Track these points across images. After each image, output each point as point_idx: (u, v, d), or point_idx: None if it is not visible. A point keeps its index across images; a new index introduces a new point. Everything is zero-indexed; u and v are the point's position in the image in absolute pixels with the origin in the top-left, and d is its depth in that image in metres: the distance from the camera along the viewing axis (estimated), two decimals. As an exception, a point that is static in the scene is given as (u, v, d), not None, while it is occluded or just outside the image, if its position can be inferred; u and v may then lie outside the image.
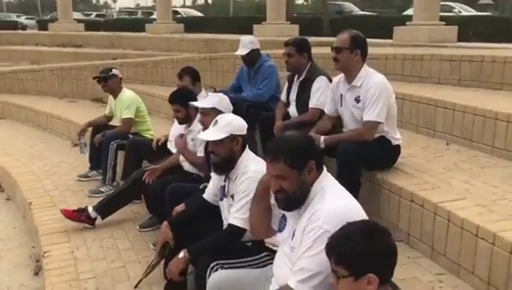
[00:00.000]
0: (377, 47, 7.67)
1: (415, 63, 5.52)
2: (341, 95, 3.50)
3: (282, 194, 1.95)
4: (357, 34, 3.39)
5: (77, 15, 24.62)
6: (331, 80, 3.81)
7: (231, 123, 2.64)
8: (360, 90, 3.34)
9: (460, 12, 19.46)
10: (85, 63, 8.85)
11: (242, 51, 4.91)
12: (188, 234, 2.74)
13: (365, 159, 3.29)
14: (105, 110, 5.53)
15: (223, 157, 2.62)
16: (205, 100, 3.34)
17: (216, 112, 3.20)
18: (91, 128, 5.41)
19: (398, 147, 3.51)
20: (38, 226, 4.16)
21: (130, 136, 4.98)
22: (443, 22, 8.11)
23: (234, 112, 4.86)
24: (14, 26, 20.61)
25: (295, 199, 1.94)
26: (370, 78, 3.32)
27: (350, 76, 3.41)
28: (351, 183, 2.95)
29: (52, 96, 8.74)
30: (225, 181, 2.70)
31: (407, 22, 8.23)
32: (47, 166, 5.91)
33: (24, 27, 22.37)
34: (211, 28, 14.88)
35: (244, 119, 4.54)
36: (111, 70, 5.15)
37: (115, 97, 5.18)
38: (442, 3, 10.18)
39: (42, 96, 8.81)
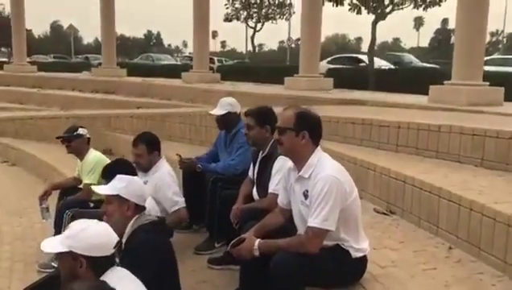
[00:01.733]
0: (406, 108, 6.80)
1: (432, 135, 4.60)
2: (291, 185, 2.74)
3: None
4: (305, 111, 2.64)
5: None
6: None
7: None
8: (308, 183, 2.56)
9: None
10: (97, 112, 8.59)
11: (218, 111, 4.29)
12: None
13: (311, 274, 2.47)
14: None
15: None
16: (109, 184, 2.67)
17: (120, 201, 2.55)
18: (58, 190, 4.91)
19: (361, 259, 2.65)
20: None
21: (91, 205, 4.41)
22: (487, 83, 7.09)
23: (198, 185, 4.31)
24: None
25: None
26: (321, 169, 2.53)
27: (298, 164, 2.64)
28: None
29: (65, 144, 8.49)
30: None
31: (445, 82, 7.28)
32: (21, 226, 5.46)
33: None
34: (255, 77, 14.52)
35: (208, 195, 3.89)
36: (77, 129, 4.65)
37: (81, 159, 4.66)
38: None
39: (58, 143, 8.58)
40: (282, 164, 3.16)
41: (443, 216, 3.45)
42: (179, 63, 29.11)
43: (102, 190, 2.61)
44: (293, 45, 40.29)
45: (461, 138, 4.35)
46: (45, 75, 13.96)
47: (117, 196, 2.56)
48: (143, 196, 2.62)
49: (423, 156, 4.60)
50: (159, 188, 3.73)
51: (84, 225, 2.06)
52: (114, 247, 2.09)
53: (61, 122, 8.76)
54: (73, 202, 4.45)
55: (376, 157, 4.58)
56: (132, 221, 2.56)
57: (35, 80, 13.38)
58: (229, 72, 17.04)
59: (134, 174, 3.35)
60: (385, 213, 4.05)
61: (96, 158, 4.57)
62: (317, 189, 2.46)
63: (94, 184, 4.45)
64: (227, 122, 4.29)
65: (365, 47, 55.84)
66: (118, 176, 2.65)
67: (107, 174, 3.27)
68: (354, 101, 7.63)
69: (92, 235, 2.01)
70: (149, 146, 3.88)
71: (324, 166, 2.54)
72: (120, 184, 2.58)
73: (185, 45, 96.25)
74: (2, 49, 46.38)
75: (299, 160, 2.63)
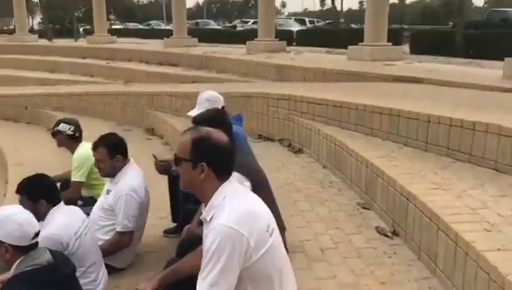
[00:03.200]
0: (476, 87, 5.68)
1: (465, 133, 3.68)
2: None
3: None
4: (206, 135, 2.02)
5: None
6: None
7: None
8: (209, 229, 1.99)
9: None
10: (141, 90, 8.41)
11: (195, 111, 3.74)
12: None
13: None
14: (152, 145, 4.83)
15: None
16: None
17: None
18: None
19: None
20: None
21: (80, 202, 4.19)
22: None
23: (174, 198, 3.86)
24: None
25: None
26: (220, 213, 1.94)
27: (204, 202, 2.08)
28: None
29: (114, 121, 8.49)
30: None
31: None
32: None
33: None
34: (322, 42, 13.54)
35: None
36: (58, 124, 4.38)
37: (72, 153, 4.43)
38: None
39: (107, 120, 8.63)
40: None
41: (441, 253, 2.67)
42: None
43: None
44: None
45: (499, 140, 3.41)
46: (116, 47, 14.20)
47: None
48: (25, 235, 2.19)
49: (454, 159, 3.71)
50: (117, 201, 3.33)
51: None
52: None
53: (112, 99, 8.81)
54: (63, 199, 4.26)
55: (389, 161, 3.79)
56: (15, 266, 2.19)
57: (109, 53, 13.68)
58: (307, 36, 16.14)
59: (52, 193, 2.93)
60: (386, 235, 3.32)
61: (82, 155, 4.28)
62: (207, 243, 1.89)
63: (81, 182, 4.28)
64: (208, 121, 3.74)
65: None
66: (-4, 210, 2.27)
67: (19, 190, 2.90)
68: (408, 78, 6.57)
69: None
70: (110, 149, 3.45)
71: (223, 209, 1.94)
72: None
73: (283, 5, 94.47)
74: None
75: (203, 198, 2.06)
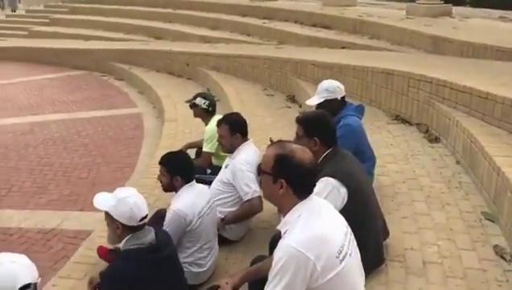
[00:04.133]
0: None
1: None
2: None
3: None
4: (290, 153, 2.04)
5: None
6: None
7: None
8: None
9: None
10: (287, 56, 8.45)
11: (314, 100, 3.74)
12: None
13: None
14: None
15: None
16: (105, 197, 2.63)
17: (110, 217, 2.55)
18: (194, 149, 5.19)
19: None
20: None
21: (209, 171, 4.57)
22: None
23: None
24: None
25: None
26: (291, 231, 1.99)
27: (282, 213, 2.15)
28: None
29: (261, 85, 8.82)
30: None
31: None
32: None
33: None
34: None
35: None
36: (196, 98, 4.77)
37: (206, 125, 4.79)
38: None
39: (254, 82, 9.00)
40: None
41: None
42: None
43: (96, 202, 2.63)
44: None
45: None
46: (273, 6, 14.29)
47: (108, 213, 2.55)
48: (134, 217, 2.51)
49: None
50: (234, 175, 3.59)
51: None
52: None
53: (259, 63, 9.09)
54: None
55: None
56: (123, 242, 2.54)
57: (267, 11, 13.94)
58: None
59: (187, 172, 3.24)
60: (503, 257, 3.02)
61: (213, 127, 4.60)
62: (275, 258, 1.97)
63: (211, 153, 4.63)
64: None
65: None
66: (116, 192, 2.61)
67: (161, 162, 3.27)
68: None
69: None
70: (232, 127, 3.71)
71: (295, 229, 1.98)
72: (111, 201, 2.54)
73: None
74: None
75: (281, 210, 2.13)
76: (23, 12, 21.17)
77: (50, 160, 6.58)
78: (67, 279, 3.43)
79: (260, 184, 2.32)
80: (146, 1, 16.99)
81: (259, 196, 3.50)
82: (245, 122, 3.82)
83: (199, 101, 4.72)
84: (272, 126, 6.46)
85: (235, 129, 3.71)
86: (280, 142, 2.19)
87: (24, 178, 6.04)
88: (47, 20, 17.81)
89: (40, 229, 4.77)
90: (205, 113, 4.74)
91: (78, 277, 3.41)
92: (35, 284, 1.96)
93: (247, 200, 3.56)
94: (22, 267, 1.96)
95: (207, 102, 4.72)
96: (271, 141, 3.99)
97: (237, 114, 3.93)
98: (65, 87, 11.05)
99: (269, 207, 3.82)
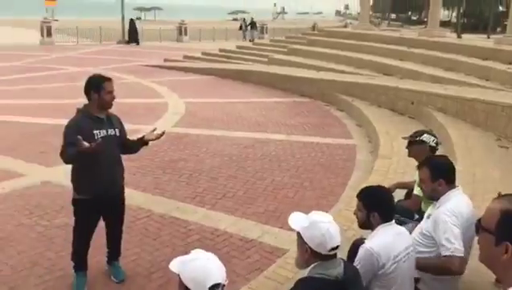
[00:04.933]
0: None
1: None
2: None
3: None
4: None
5: None
6: None
7: None
8: None
9: None
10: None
11: None
12: None
13: None
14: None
15: None
16: (299, 217, 2.53)
17: (301, 239, 2.47)
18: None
19: None
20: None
21: (416, 216, 4.19)
22: None
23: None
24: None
25: None
26: None
27: (502, 282, 1.74)
28: None
29: (493, 134, 7.87)
30: None
31: None
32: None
33: None
34: None
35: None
36: (422, 134, 4.37)
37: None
38: None
39: (486, 130, 8.10)
40: None
41: None
42: None
43: (291, 220, 2.55)
44: None
45: None
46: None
47: (299, 233, 2.47)
48: (324, 245, 2.35)
49: None
50: (436, 226, 3.12)
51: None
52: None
53: (496, 110, 8.12)
54: (400, 207, 4.33)
55: None
56: (309, 268, 2.43)
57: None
58: None
59: (386, 210, 2.96)
60: None
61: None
62: None
63: (421, 196, 4.22)
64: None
65: None
66: (311, 214, 2.51)
67: (358, 196, 3.06)
68: None
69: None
70: (433, 172, 3.25)
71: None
72: (304, 223, 2.44)
73: None
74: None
75: (502, 281, 1.71)
76: (268, 41, 23.49)
77: (263, 175, 6.98)
78: (255, 291, 3.49)
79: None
80: (380, 38, 17.05)
81: (461, 257, 3.00)
82: (452, 166, 3.34)
83: (427, 138, 4.31)
84: (500, 181, 5.65)
85: (437, 174, 3.25)
86: (510, 195, 1.79)
87: (239, 186, 6.52)
88: (285, 50, 19.34)
89: (242, 237, 5.03)
90: (430, 153, 4.33)
91: (265, 292, 3.43)
92: (224, 286, 1.99)
93: (444, 256, 3.08)
94: (215, 266, 2.04)
95: (435, 140, 4.31)
96: (499, 195, 3.45)
97: (444, 157, 3.47)
98: (289, 111, 11.72)
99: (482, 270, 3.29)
